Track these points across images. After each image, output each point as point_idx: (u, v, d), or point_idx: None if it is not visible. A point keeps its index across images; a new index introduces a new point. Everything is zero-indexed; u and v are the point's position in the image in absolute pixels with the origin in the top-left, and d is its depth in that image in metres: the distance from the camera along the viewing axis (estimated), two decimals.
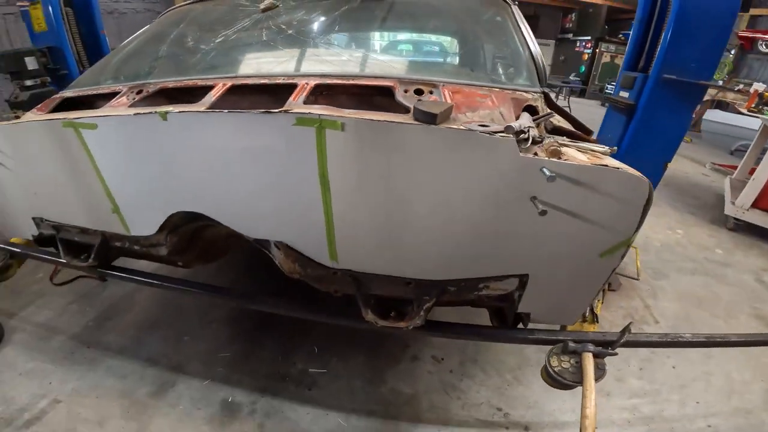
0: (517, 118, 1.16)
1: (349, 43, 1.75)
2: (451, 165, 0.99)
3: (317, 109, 1.02)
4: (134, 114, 1.11)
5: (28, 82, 2.91)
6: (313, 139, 1.01)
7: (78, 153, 1.25)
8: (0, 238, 2.00)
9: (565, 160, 0.94)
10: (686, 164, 6.20)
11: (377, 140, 0.99)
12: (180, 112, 1.07)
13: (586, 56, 13.00)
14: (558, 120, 1.30)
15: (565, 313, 1.35)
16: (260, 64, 1.54)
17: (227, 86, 1.27)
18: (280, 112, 1.03)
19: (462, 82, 1.30)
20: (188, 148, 1.14)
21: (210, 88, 1.26)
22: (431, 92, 1.18)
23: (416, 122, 0.96)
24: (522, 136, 0.98)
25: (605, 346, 1.36)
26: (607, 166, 0.94)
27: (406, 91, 1.18)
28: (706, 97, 6.82)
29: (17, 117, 2.97)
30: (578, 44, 13.34)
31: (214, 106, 1.15)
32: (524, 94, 1.34)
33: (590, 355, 1.30)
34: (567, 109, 1.49)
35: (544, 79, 1.55)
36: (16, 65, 2.84)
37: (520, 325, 1.45)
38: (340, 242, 1.18)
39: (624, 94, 2.66)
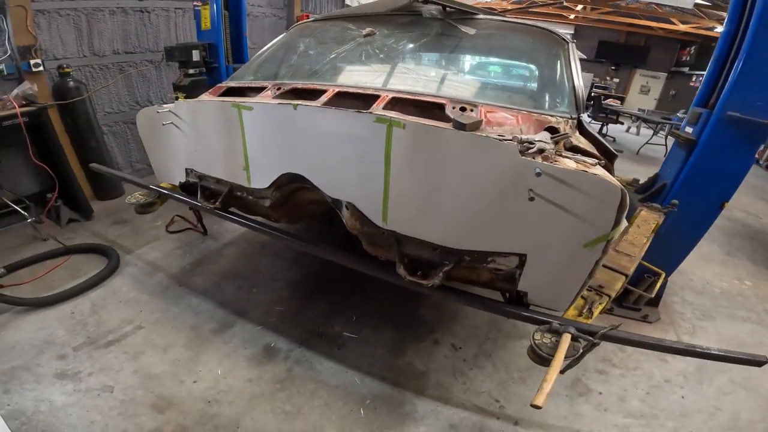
0: (536, 134, 1.54)
1: (420, 68, 2.25)
2: (472, 160, 1.41)
3: (390, 114, 1.53)
4: (277, 103, 1.73)
5: (191, 71, 3.78)
6: (384, 132, 1.51)
7: (235, 125, 1.89)
8: (152, 183, 2.60)
9: (555, 164, 1.32)
10: None
11: (425, 138, 1.46)
12: (305, 105, 1.66)
13: None
14: (578, 141, 1.64)
15: (556, 297, 1.61)
16: (358, 78, 2.13)
17: (335, 91, 1.85)
18: (366, 112, 1.55)
19: (497, 104, 1.73)
20: (306, 129, 1.71)
21: (324, 91, 1.85)
22: (472, 110, 1.63)
23: (452, 128, 1.41)
24: (529, 145, 1.37)
25: (586, 333, 1.53)
26: (586, 171, 1.29)
27: (453, 108, 1.65)
28: None
29: (178, 98, 3.93)
30: (694, 79, 12.29)
31: (326, 104, 1.73)
32: (548, 117, 1.72)
33: (569, 335, 1.49)
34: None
35: (581, 108, 1.88)
36: (186, 56, 3.71)
37: None
38: (391, 209, 1.64)
39: (689, 129, 2.71)
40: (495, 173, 1.39)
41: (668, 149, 8.25)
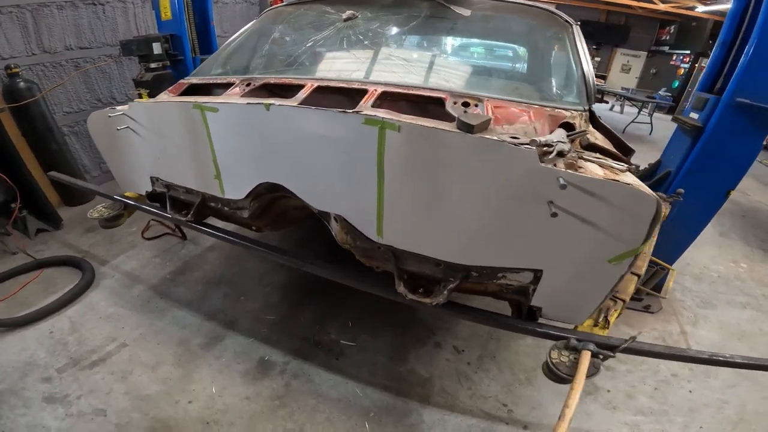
0: (551, 132, 1.34)
1: (412, 56, 1.99)
2: (482, 167, 1.20)
3: (381, 113, 1.29)
4: (246, 103, 1.46)
5: (153, 65, 3.45)
6: (375, 136, 1.28)
7: (199, 129, 1.63)
8: (117, 192, 2.35)
9: (581, 172, 1.12)
10: None
11: (425, 142, 1.24)
12: (279, 105, 1.40)
13: (681, 71, 12.01)
14: (595, 137, 1.45)
15: (573, 312, 1.47)
16: (340, 69, 1.86)
17: (314, 86, 1.59)
18: (352, 112, 1.31)
19: (505, 98, 1.50)
20: (282, 133, 1.46)
21: (301, 86, 1.59)
22: (476, 105, 1.40)
23: (457, 130, 1.19)
24: (547, 148, 1.17)
25: (607, 348, 1.41)
26: (618, 181, 1.10)
27: (455, 103, 1.42)
28: None
29: (141, 95, 3.54)
30: (674, 58, 12.37)
31: (304, 102, 1.47)
32: (563, 111, 1.50)
33: (588, 353, 1.37)
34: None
35: (592, 97, 1.68)
36: (146, 49, 3.38)
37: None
38: (386, 221, 1.43)
39: (694, 115, 2.58)
40: (509, 182, 1.19)
41: (653, 127, 8.32)
